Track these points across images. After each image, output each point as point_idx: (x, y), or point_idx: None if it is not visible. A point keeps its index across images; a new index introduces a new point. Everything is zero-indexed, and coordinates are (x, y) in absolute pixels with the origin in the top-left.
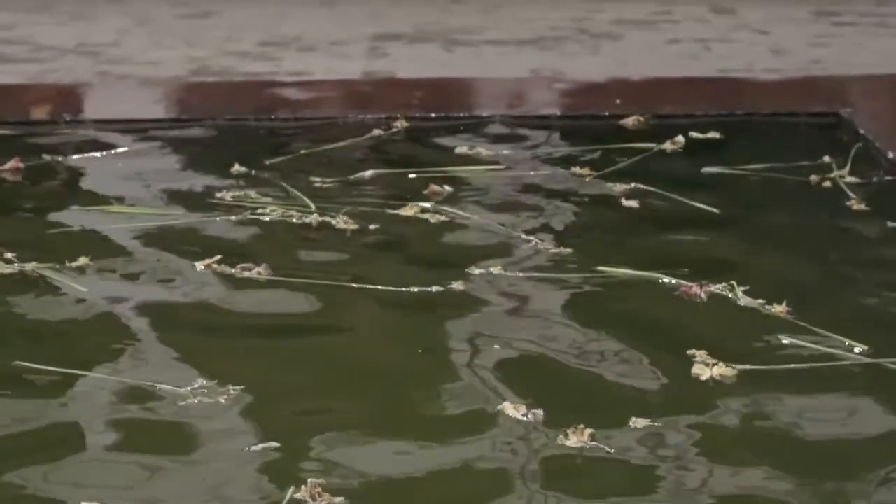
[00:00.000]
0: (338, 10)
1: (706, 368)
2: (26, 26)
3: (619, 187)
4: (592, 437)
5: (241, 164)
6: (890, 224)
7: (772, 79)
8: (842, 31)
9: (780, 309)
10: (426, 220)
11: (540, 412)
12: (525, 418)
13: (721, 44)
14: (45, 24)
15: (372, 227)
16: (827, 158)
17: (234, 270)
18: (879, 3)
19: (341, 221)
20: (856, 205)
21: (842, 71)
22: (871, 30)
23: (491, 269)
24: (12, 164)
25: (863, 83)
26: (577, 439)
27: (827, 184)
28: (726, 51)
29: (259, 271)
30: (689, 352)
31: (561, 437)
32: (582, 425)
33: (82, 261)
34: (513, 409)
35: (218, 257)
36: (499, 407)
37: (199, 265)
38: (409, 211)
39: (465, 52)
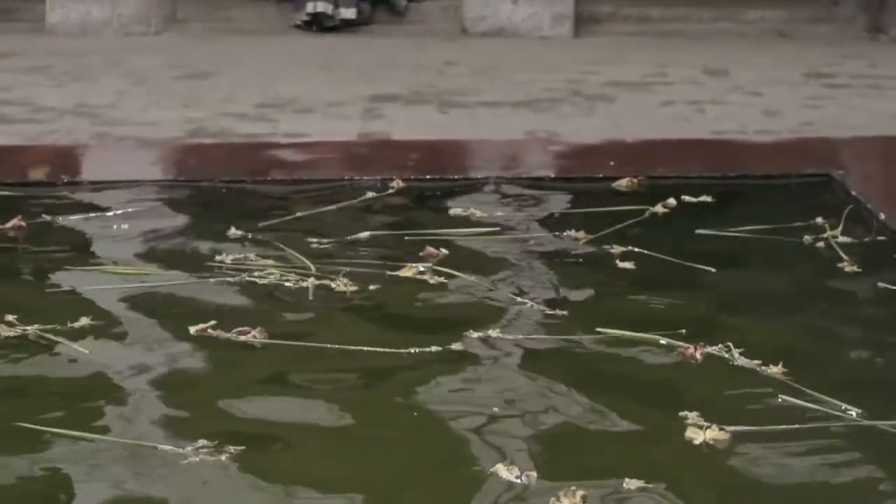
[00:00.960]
0: (334, 71)
1: (699, 432)
2: (25, 87)
3: (613, 249)
4: (585, 500)
5: (239, 226)
6: (881, 285)
7: (765, 140)
8: (834, 92)
9: (776, 370)
10: (424, 281)
11: (533, 474)
12: (518, 480)
13: (714, 105)
14: (44, 85)
15: (370, 288)
16: (820, 220)
17: (230, 335)
18: (871, 66)
19: (340, 283)
20: (848, 266)
21: (834, 132)
22: (863, 91)
23: (489, 332)
24: (14, 223)
25: (854, 145)
26: (569, 502)
27: (820, 244)
28: (720, 112)
29: (255, 335)
30: (682, 413)
31: (553, 499)
32: (574, 487)
33: (83, 321)
34: (506, 471)
35: (212, 322)
36: (492, 469)
37: (193, 329)
38: (407, 272)
39: (461, 113)
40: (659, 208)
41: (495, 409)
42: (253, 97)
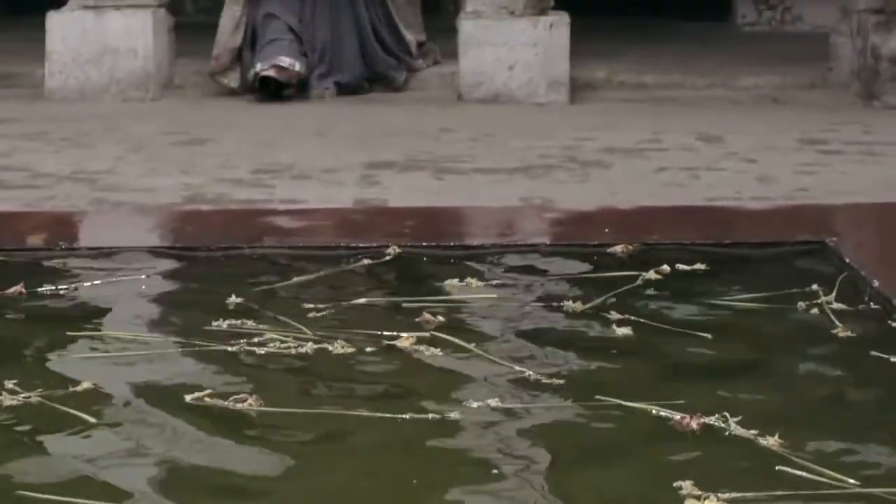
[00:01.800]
0: (331, 138)
1: (697, 502)
2: (23, 153)
3: (609, 315)
4: None
5: (236, 292)
6: (873, 353)
7: (759, 207)
8: (828, 159)
9: (772, 440)
10: (420, 349)
11: None
12: None
13: (709, 172)
14: (42, 150)
15: (367, 355)
16: (815, 287)
17: (226, 402)
18: (865, 132)
19: (338, 348)
20: (842, 332)
21: (828, 199)
22: (856, 158)
23: (487, 401)
24: (15, 290)
25: (848, 212)
26: None
27: (814, 310)
28: (714, 179)
29: (250, 403)
30: (677, 483)
31: None
32: None
33: (83, 385)
34: None
35: (209, 390)
36: None
37: (189, 397)
38: (405, 342)
39: (456, 180)
40: (652, 275)
41: (494, 471)
42: (250, 163)
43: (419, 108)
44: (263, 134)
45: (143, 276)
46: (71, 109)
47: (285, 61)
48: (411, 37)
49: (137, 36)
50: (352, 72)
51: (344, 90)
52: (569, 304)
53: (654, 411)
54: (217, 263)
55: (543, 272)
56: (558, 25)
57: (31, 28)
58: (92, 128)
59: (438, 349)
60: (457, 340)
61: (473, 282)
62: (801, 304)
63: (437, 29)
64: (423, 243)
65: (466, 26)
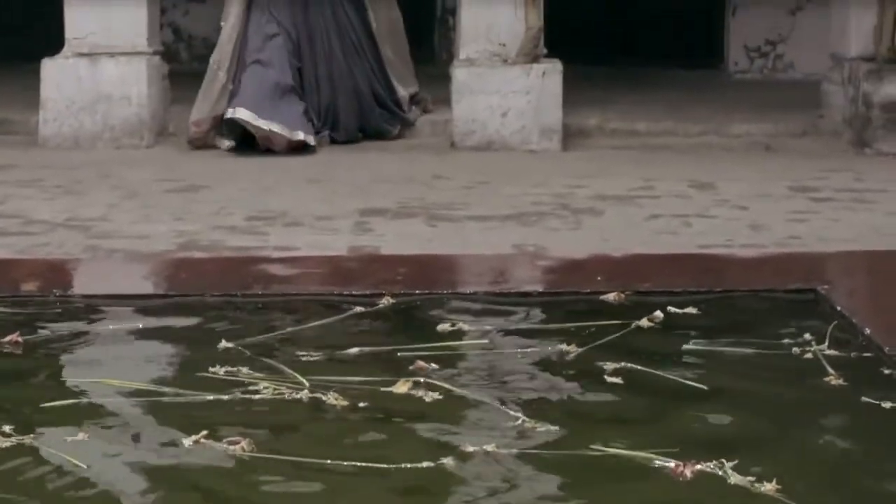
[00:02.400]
0: (324, 185)
1: None
2: (17, 200)
3: (602, 364)
4: None
5: (230, 339)
6: (865, 399)
7: (750, 255)
8: (819, 206)
9: (770, 487)
10: (415, 396)
11: None
12: None
13: (701, 219)
14: (36, 198)
15: (361, 404)
16: (808, 336)
17: (222, 445)
18: (857, 179)
19: (332, 398)
20: (834, 380)
21: (820, 246)
22: (848, 205)
23: (483, 447)
24: (11, 338)
25: (839, 260)
26: None
27: (808, 355)
28: (706, 226)
29: (243, 447)
30: None
31: None
32: None
33: (80, 436)
34: None
35: (204, 432)
36: None
37: (188, 441)
38: (401, 388)
39: (449, 227)
40: (645, 322)
41: None
42: (244, 210)
43: (412, 156)
44: (257, 181)
45: (139, 325)
46: (65, 156)
47: (299, 134)
48: (404, 92)
49: (132, 83)
50: (347, 131)
51: (336, 141)
52: (562, 351)
53: (649, 458)
54: (211, 311)
55: (536, 320)
56: (551, 73)
57: (25, 75)
58: (86, 175)
59: (432, 396)
60: (451, 387)
61: (466, 329)
62: (795, 351)
63: (431, 76)
64: (416, 291)
65: (460, 74)
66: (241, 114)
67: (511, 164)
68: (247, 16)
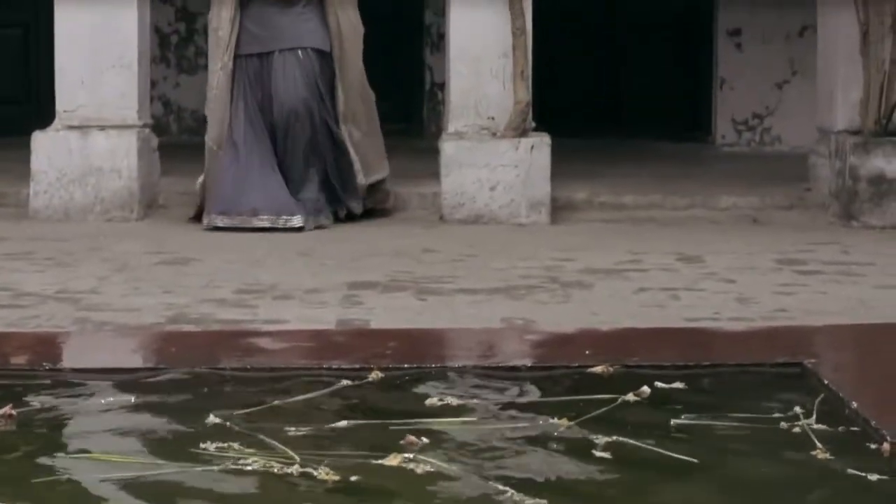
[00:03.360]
0: (314, 258)
1: None
2: (7, 272)
3: (591, 438)
4: None
5: (219, 413)
6: (850, 471)
7: (737, 329)
8: (806, 279)
9: None
10: (405, 470)
11: None
12: None
13: (688, 292)
14: (26, 270)
15: (352, 478)
16: (797, 409)
17: None
18: (843, 252)
19: (322, 473)
20: (821, 454)
21: (807, 319)
22: (835, 278)
23: None
24: (5, 411)
25: (826, 334)
26: None
27: (796, 430)
28: (693, 299)
29: None
30: None
31: None
32: None
33: None
34: None
35: None
36: None
37: None
38: (393, 461)
39: (438, 301)
40: (631, 397)
41: None
42: (233, 283)
43: (402, 229)
44: (247, 254)
45: (128, 399)
46: (56, 229)
47: (283, 221)
48: (364, 180)
49: (122, 156)
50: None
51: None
52: (550, 425)
53: None
54: (200, 384)
55: (525, 393)
56: (539, 147)
57: (16, 148)
58: (76, 247)
59: (424, 469)
60: (440, 462)
61: (455, 403)
62: (783, 425)
63: (420, 150)
64: (405, 365)
65: (449, 147)
66: (219, 221)
67: (500, 238)
68: (231, 85)
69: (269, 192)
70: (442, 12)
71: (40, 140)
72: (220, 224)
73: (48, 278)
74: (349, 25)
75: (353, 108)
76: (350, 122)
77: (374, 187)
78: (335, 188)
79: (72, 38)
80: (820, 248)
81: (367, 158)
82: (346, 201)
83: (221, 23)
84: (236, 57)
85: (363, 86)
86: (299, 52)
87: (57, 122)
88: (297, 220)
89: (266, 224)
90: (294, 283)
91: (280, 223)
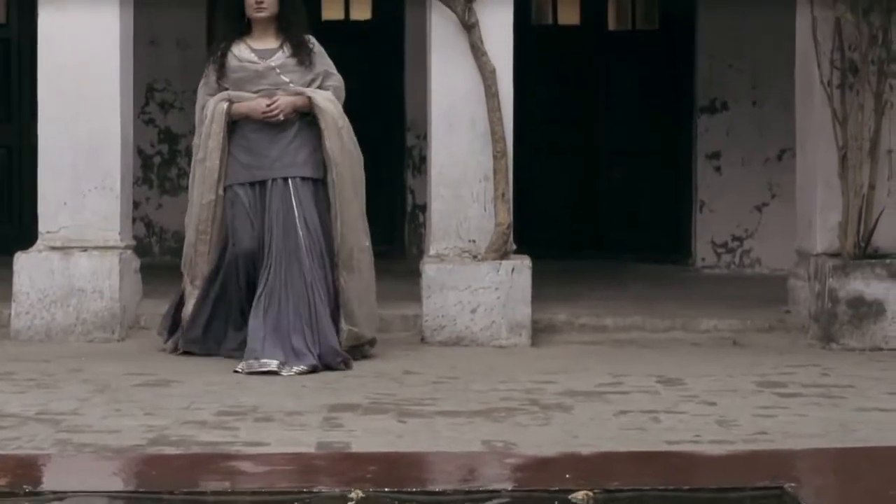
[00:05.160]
0: (294, 380)
1: None
2: None
3: None
4: None
5: None
6: None
7: (718, 452)
8: (787, 402)
9: None
10: None
11: None
12: None
13: (669, 415)
14: (7, 391)
15: None
16: None
17: None
18: (823, 374)
19: None
20: None
21: (787, 442)
22: (815, 400)
23: None
24: None
25: (807, 457)
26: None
27: None
28: (674, 422)
29: None
30: None
31: None
32: None
33: None
34: None
35: None
36: None
37: None
38: None
39: (419, 423)
40: None
41: None
42: (214, 405)
43: (383, 351)
44: (228, 376)
45: None
46: (37, 349)
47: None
48: (346, 329)
49: (104, 277)
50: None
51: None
52: None
53: None
54: None
55: None
56: (520, 269)
57: None
58: (57, 368)
59: None
60: None
61: None
62: None
63: (401, 272)
64: (386, 489)
65: (430, 270)
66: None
67: (481, 360)
68: (219, 219)
69: (271, 335)
70: (424, 136)
71: (22, 261)
72: (191, 350)
73: (29, 399)
74: (344, 152)
75: (349, 246)
76: (344, 264)
77: (356, 348)
78: (317, 336)
79: (54, 159)
80: (800, 370)
81: (353, 308)
82: (325, 358)
83: (209, 153)
84: (226, 188)
85: (362, 223)
86: (291, 181)
87: (39, 243)
88: (283, 369)
89: (264, 370)
90: (275, 405)
91: (284, 370)
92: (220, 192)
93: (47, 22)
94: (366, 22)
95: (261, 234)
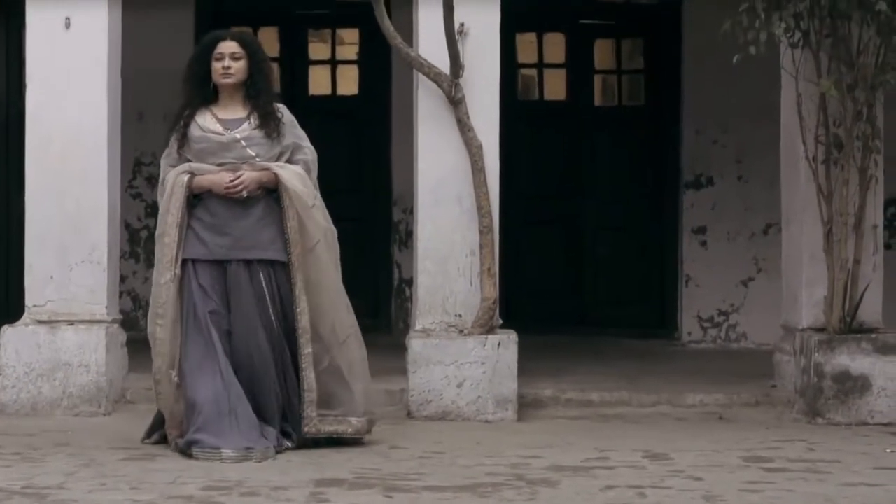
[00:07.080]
0: (280, 456)
1: None
2: None
3: None
4: None
5: None
6: None
7: None
8: (773, 477)
9: None
10: None
11: None
12: None
13: (655, 490)
14: None
15: None
16: None
17: None
18: (809, 449)
19: None
20: None
21: None
22: (801, 475)
23: None
24: None
25: None
26: None
27: None
28: (660, 497)
29: None
30: None
31: None
32: None
33: None
34: None
35: None
36: None
37: None
38: None
39: (405, 498)
40: None
41: None
42: (200, 480)
43: None
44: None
45: None
46: (23, 423)
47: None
48: (314, 414)
49: (90, 351)
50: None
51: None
52: None
53: None
54: None
55: None
56: (506, 344)
57: None
58: (43, 442)
59: None
60: None
61: None
62: None
63: (387, 346)
64: None
65: (416, 345)
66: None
67: (467, 435)
68: (180, 298)
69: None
70: (410, 210)
71: (9, 334)
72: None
73: (14, 473)
74: (319, 229)
75: (326, 326)
76: (327, 343)
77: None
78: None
79: (41, 232)
80: (786, 445)
81: (330, 391)
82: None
83: (167, 228)
84: (184, 263)
85: (340, 303)
86: (257, 265)
87: (26, 317)
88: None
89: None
90: (261, 480)
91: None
92: (177, 270)
93: (35, 95)
94: (352, 97)
95: (225, 308)
